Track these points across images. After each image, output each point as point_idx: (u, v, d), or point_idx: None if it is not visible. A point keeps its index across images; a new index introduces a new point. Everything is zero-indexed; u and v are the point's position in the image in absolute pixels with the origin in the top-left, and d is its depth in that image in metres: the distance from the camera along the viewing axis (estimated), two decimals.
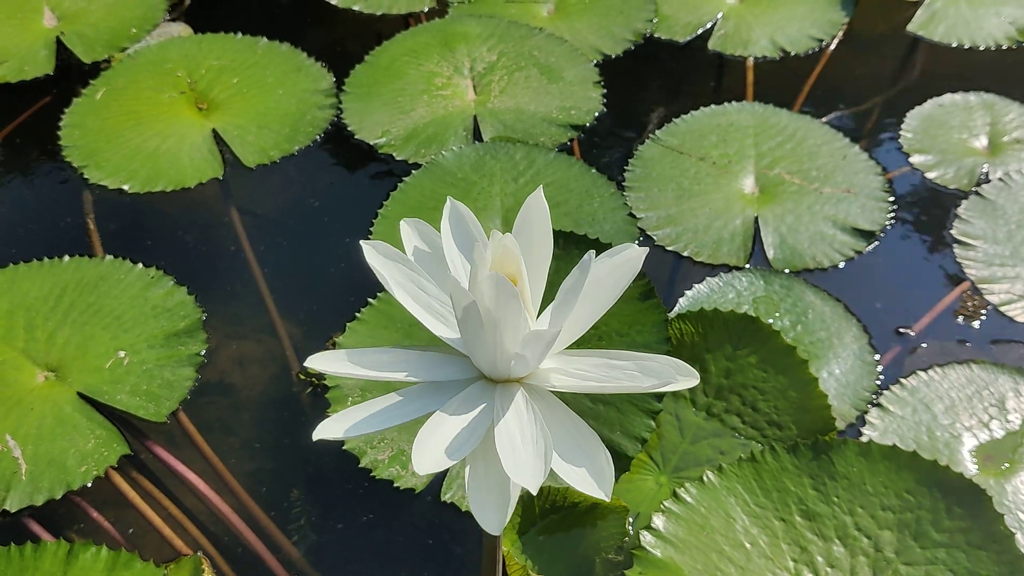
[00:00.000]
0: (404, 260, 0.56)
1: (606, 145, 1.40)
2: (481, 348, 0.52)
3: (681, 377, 0.51)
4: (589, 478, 0.49)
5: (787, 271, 1.18)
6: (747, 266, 1.19)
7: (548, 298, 0.58)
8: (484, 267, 0.51)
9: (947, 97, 1.44)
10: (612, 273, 0.54)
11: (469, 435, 0.50)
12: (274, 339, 1.14)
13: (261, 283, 1.20)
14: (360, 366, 0.52)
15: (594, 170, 1.28)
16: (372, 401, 0.52)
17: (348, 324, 1.03)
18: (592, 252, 0.51)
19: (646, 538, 0.81)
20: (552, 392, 0.54)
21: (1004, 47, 1.55)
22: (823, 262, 1.20)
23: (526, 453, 0.48)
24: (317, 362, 0.52)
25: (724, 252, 1.21)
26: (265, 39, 1.52)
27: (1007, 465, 0.96)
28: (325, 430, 0.50)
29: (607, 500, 0.48)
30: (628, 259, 0.54)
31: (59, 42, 1.53)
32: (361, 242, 0.56)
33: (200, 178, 1.31)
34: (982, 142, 1.37)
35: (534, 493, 0.45)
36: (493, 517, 0.50)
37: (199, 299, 1.12)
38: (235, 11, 1.71)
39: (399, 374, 0.53)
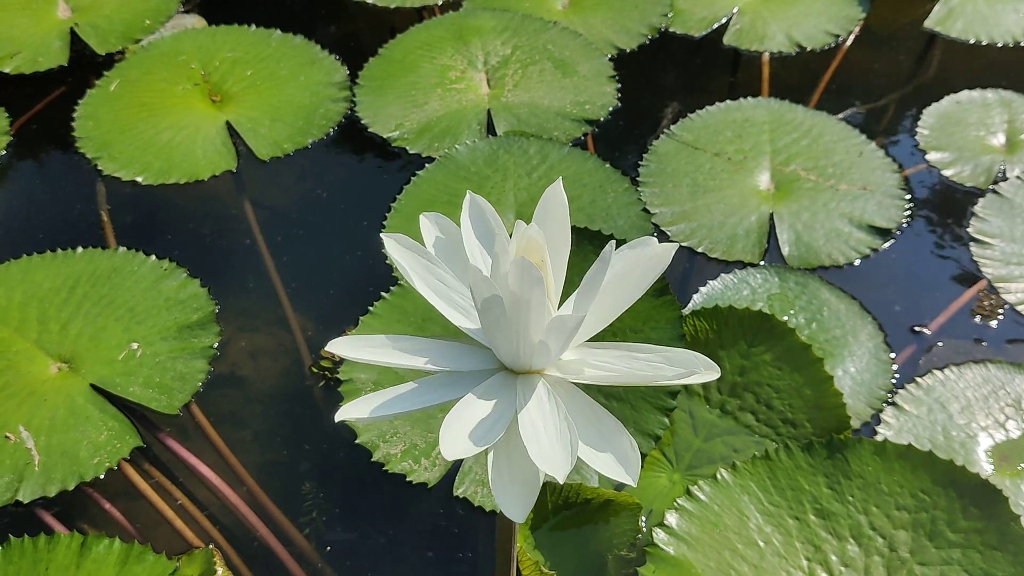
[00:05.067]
0: (424, 253, 0.56)
1: (620, 140, 1.39)
2: (503, 338, 0.51)
3: (703, 369, 0.50)
4: (616, 464, 0.49)
5: (802, 268, 1.17)
6: (762, 263, 1.18)
7: (564, 295, 0.57)
8: (507, 258, 0.50)
9: (964, 94, 1.43)
10: (638, 267, 0.53)
11: (495, 422, 0.49)
12: (287, 332, 1.14)
13: (274, 276, 1.20)
14: (381, 352, 0.52)
15: (608, 165, 1.27)
16: (391, 388, 0.52)
17: (361, 318, 1.03)
18: (612, 242, 0.51)
19: (659, 535, 0.80)
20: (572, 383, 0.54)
21: (1022, 44, 1.53)
22: (839, 259, 1.19)
23: (551, 441, 0.48)
24: (338, 347, 0.52)
25: (739, 249, 1.20)
26: (279, 31, 1.52)
27: (1023, 466, 0.96)
28: (347, 412, 0.50)
29: (634, 485, 0.48)
30: (656, 254, 0.53)
31: (73, 33, 1.53)
32: (382, 234, 0.56)
33: (213, 170, 1.31)
34: (1000, 139, 1.36)
35: (561, 481, 0.45)
36: (517, 505, 0.49)
37: (212, 291, 1.12)
38: (249, 3, 1.71)
39: (420, 361, 0.52)
